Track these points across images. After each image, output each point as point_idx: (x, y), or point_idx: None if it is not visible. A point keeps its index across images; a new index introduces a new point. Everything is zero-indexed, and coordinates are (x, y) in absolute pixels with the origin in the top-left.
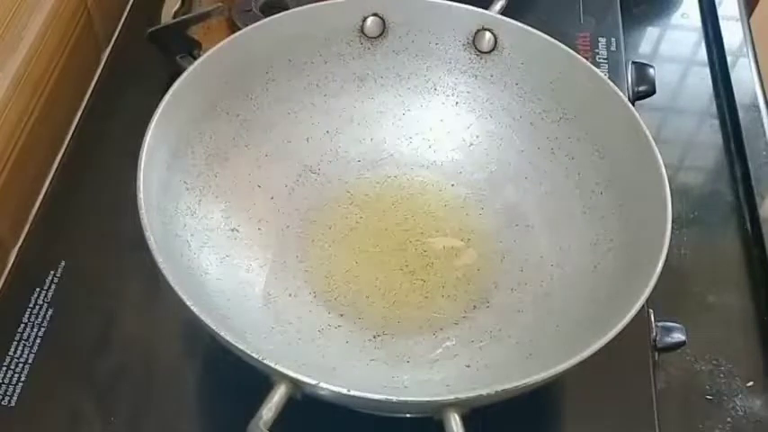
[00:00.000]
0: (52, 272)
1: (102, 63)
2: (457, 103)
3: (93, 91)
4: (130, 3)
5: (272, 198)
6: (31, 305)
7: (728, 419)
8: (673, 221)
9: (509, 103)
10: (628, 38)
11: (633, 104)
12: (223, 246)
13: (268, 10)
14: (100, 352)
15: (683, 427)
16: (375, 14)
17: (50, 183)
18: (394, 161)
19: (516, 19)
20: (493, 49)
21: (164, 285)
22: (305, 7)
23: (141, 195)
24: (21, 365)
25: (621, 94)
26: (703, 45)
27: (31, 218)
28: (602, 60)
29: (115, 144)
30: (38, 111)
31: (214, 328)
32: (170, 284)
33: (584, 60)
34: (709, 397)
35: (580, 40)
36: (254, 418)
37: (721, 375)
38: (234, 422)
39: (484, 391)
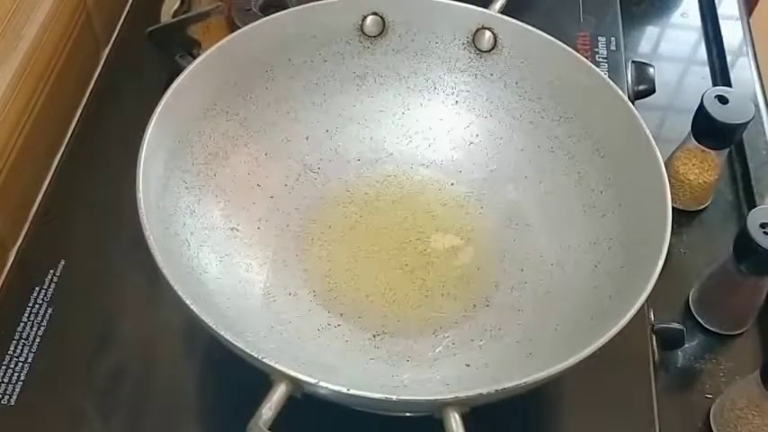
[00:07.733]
0: (52, 271)
1: (102, 62)
2: (457, 101)
3: (92, 90)
4: (130, 2)
5: (272, 197)
6: (30, 305)
7: None
8: (673, 221)
9: (509, 102)
10: (628, 37)
11: (633, 103)
12: (222, 245)
13: (267, 9)
14: (100, 352)
15: (683, 427)
16: (375, 13)
17: (50, 182)
18: (394, 160)
19: (516, 18)
20: (493, 48)
21: (164, 285)
22: (304, 6)
23: (141, 195)
24: (20, 365)
25: (621, 93)
26: (703, 44)
27: (30, 217)
28: (601, 59)
29: (114, 143)
30: (37, 110)
31: (214, 327)
32: (170, 284)
33: (584, 59)
34: (709, 396)
35: (580, 39)
36: (253, 417)
37: (721, 375)
38: (234, 422)
39: (484, 391)
